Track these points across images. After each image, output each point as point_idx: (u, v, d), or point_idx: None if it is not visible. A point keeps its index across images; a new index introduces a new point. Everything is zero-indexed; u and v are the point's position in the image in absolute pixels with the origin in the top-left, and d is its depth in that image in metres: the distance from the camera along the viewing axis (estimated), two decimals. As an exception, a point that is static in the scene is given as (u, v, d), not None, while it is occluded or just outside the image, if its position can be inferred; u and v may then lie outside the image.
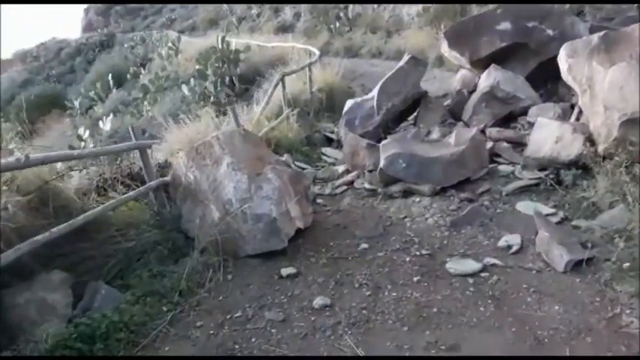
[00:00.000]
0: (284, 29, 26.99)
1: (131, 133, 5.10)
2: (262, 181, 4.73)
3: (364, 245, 4.73)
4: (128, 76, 28.99)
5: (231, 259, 4.60)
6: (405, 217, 5.36)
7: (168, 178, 5.30)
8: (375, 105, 8.29)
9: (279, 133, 8.23)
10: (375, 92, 8.48)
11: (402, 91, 8.21)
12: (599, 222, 4.33)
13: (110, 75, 28.48)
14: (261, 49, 18.70)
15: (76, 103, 27.96)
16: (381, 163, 5.99)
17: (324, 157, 8.31)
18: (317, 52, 13.51)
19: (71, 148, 16.43)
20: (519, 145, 6.54)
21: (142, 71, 26.70)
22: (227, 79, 16.22)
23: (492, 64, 7.90)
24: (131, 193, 4.80)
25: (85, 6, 57.39)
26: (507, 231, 4.69)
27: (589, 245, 4.03)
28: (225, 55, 16.28)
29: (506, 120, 7.32)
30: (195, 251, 4.45)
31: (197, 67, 16.86)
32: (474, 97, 7.73)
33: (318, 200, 6.22)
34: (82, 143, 16.22)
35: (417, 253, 4.48)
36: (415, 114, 8.75)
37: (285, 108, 9.14)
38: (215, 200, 4.73)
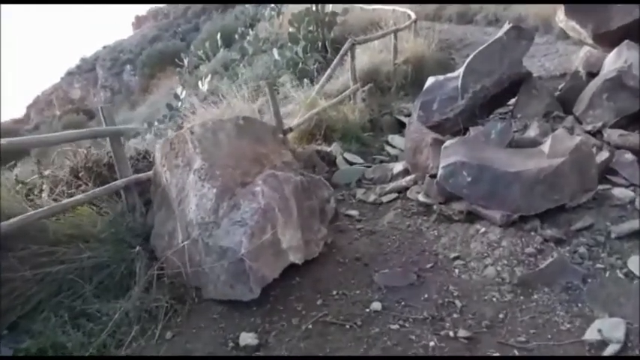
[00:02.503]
0: (398, -10, 24.97)
1: (101, 115, 3.93)
2: (243, 196, 3.35)
3: (376, 305, 3.19)
4: (236, 36, 28.73)
5: (189, 301, 3.33)
6: (457, 257, 3.74)
7: (149, 174, 4.12)
8: (459, 86, 6.50)
9: (336, 114, 6.76)
10: (461, 70, 6.67)
11: (495, 71, 6.32)
12: None
13: (219, 34, 28.34)
14: (363, 12, 17.11)
15: (185, 62, 28.33)
16: (439, 173, 4.36)
17: (388, 148, 6.72)
18: (413, 17, 11.64)
19: (169, 106, 16.10)
20: (651, 158, 4.55)
21: (250, 32, 26.13)
22: (319, 43, 14.90)
23: (626, 41, 5.70)
24: (80, 195, 3.66)
25: (212, -36, 58.21)
26: (605, 309, 2.96)
27: None
28: (319, 18, 14.91)
29: (636, 119, 5.22)
30: (137, 287, 3.23)
31: (290, 29, 15.78)
32: (594, 83, 5.68)
33: (351, 212, 4.76)
34: (179, 102, 15.83)
35: (451, 333, 2.90)
36: (515, 99, 6.84)
37: (352, 83, 7.59)
38: (180, 216, 3.45)
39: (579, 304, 3.05)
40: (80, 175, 4.19)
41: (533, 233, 3.83)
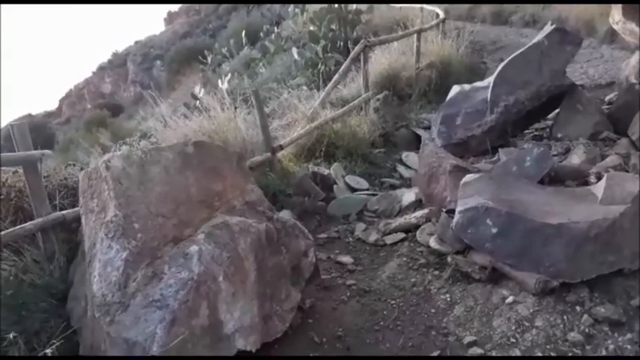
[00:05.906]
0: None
1: (12, 136, 3.06)
2: (171, 260, 2.40)
3: None
4: (261, 34, 28.00)
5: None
6: (474, 342, 2.74)
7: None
8: (488, 98, 5.48)
9: (341, 126, 5.78)
10: (491, 79, 5.64)
11: (533, 81, 5.29)
12: None
13: (244, 32, 27.64)
14: (389, 10, 16.11)
15: (209, 59, 27.73)
16: (455, 220, 3.36)
17: (401, 169, 5.72)
18: (441, 15, 10.57)
19: (186, 105, 15.45)
20: None
21: (275, 30, 25.34)
22: (341, 43, 13.92)
23: (700, 47, 4.64)
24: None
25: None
26: None
27: None
28: (341, 16, 13.94)
29: None
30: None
31: (311, 27, 14.90)
32: (657, 100, 4.61)
33: (343, 259, 3.80)
34: (197, 101, 15.01)
35: None
36: (555, 113, 5.79)
37: (364, 91, 6.59)
38: (88, 282, 2.53)
39: None
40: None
41: (579, 309, 2.81)
